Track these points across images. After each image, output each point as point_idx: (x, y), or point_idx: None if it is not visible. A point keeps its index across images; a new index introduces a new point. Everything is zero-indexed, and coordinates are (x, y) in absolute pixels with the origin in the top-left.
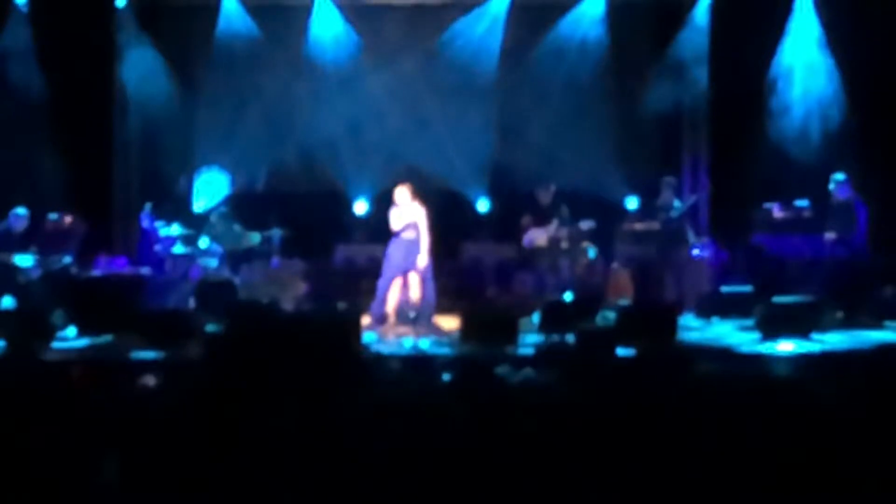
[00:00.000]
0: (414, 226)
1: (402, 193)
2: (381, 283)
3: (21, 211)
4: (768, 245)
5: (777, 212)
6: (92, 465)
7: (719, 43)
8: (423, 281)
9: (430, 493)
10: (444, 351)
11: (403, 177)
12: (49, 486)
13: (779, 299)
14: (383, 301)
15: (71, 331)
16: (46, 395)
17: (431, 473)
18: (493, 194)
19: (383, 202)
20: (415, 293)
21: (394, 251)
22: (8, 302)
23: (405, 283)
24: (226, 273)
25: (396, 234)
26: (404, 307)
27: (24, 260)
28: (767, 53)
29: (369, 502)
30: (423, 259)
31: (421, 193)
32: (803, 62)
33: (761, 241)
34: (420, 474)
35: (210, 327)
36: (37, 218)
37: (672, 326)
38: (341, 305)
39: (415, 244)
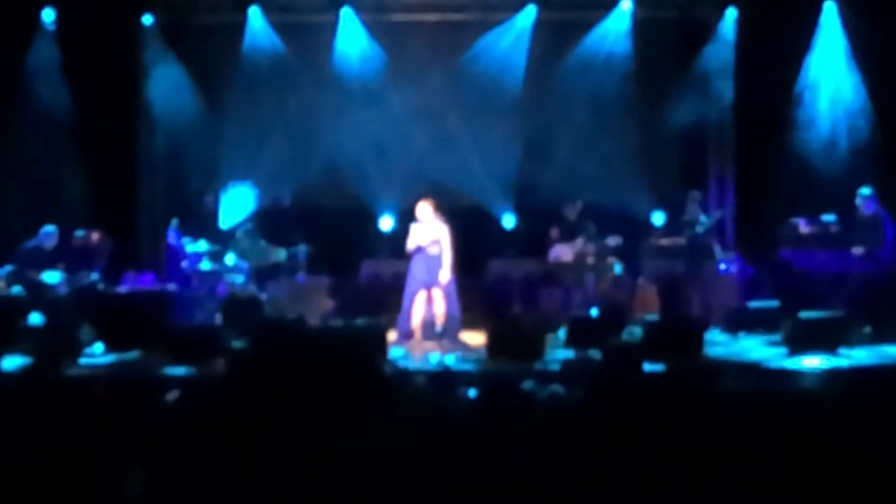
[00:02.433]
0: (437, 241)
1: (425, 209)
2: (405, 298)
3: (50, 229)
4: (795, 260)
5: (804, 226)
6: (117, 479)
7: (745, 57)
8: (447, 296)
9: None
10: (471, 367)
11: (428, 193)
12: (74, 500)
13: (806, 314)
14: (408, 317)
15: (98, 347)
16: (71, 410)
17: (458, 489)
18: (519, 210)
19: (409, 218)
20: (439, 309)
21: (417, 267)
22: (36, 318)
23: (429, 298)
24: (252, 289)
25: (419, 250)
26: (430, 323)
27: (51, 276)
28: (794, 67)
29: None
30: (445, 274)
31: (444, 209)
32: (829, 76)
33: (788, 256)
34: (446, 490)
35: (236, 343)
36: (65, 235)
37: (699, 342)
38: (367, 321)
39: (437, 260)
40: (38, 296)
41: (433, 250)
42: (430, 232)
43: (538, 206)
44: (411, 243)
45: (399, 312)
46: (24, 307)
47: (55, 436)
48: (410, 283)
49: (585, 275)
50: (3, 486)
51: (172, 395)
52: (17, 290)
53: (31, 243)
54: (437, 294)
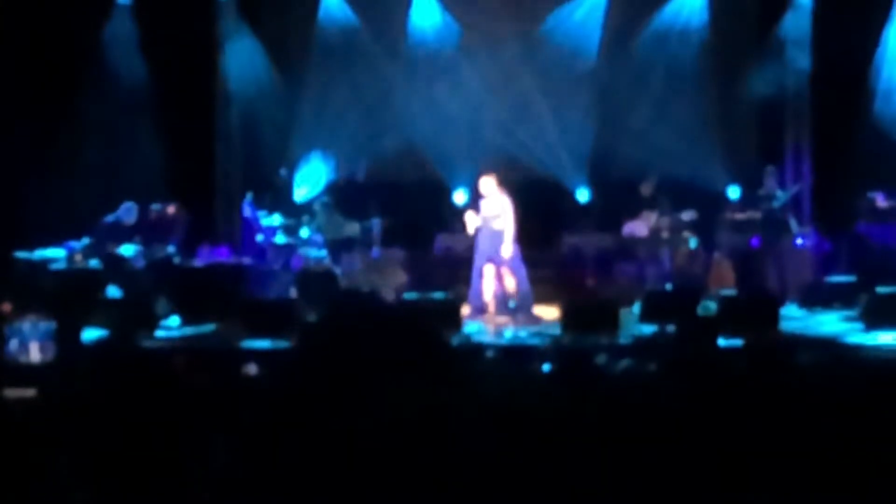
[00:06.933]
0: (499, 216)
1: (488, 183)
2: (473, 273)
3: (130, 204)
4: (873, 234)
5: (881, 200)
6: (193, 453)
7: (823, 26)
8: (514, 271)
9: (529, 483)
10: (544, 341)
11: (501, 166)
12: (150, 473)
13: (883, 289)
14: (479, 292)
15: (174, 319)
16: (148, 382)
17: (530, 463)
18: (594, 184)
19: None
20: (509, 284)
21: (481, 241)
22: (114, 291)
23: (498, 273)
24: (327, 262)
25: (484, 225)
26: (503, 298)
27: (128, 250)
28: (873, 37)
29: (471, 491)
30: (507, 249)
31: (508, 183)
32: None
33: (865, 231)
34: (518, 463)
35: (312, 317)
36: (141, 208)
37: (774, 316)
38: (441, 295)
39: (501, 234)
40: (116, 269)
41: (497, 225)
42: (493, 206)
43: (613, 180)
44: (470, 224)
45: (469, 287)
46: (101, 280)
47: (132, 407)
48: (476, 257)
49: (660, 249)
50: (80, 456)
51: (249, 368)
52: (94, 263)
53: (110, 217)
54: (504, 269)
